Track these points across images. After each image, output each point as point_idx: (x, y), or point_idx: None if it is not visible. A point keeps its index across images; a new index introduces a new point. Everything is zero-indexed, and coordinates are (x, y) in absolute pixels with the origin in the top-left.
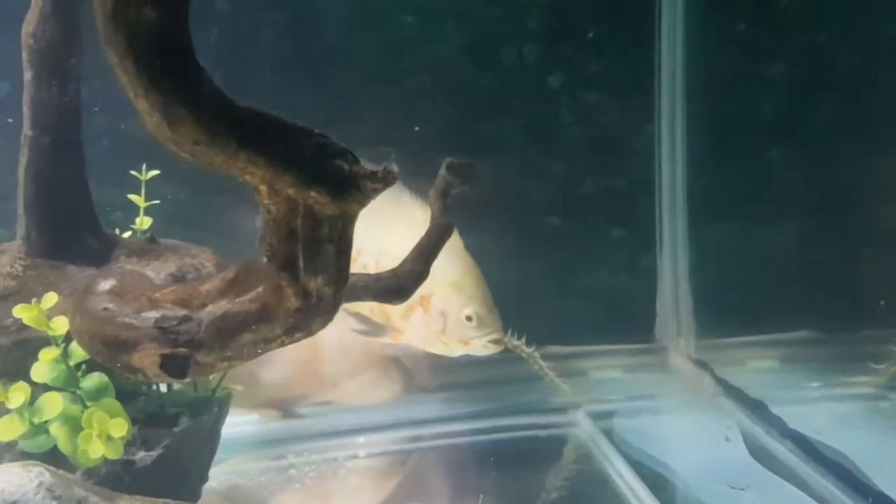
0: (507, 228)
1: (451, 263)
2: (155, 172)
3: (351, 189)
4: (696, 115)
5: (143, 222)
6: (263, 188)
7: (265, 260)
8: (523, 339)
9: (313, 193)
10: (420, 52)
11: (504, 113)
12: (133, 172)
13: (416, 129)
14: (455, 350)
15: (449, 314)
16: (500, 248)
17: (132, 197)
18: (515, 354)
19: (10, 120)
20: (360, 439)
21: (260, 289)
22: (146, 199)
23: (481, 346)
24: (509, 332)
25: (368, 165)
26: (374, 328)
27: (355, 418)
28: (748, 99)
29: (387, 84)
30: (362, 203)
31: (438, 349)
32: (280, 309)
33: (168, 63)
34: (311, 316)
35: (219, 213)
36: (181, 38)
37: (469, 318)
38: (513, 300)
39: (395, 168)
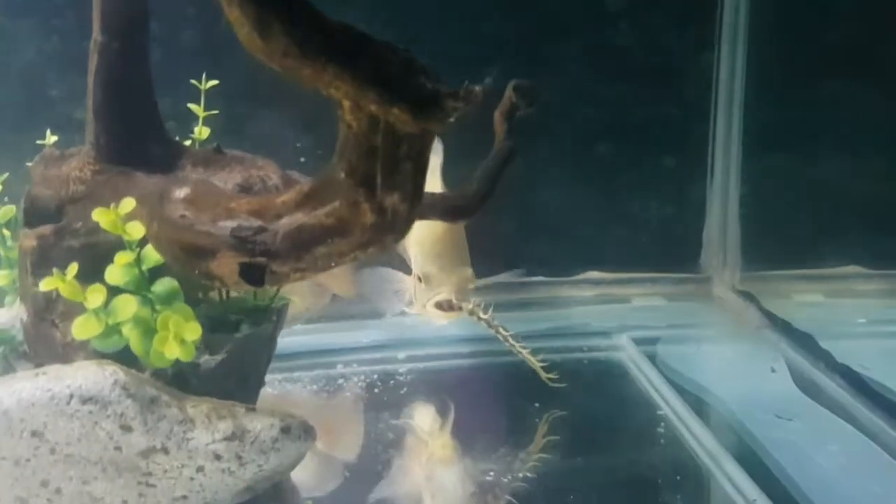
0: (557, 153)
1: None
2: (214, 82)
3: (432, 107)
4: (758, 43)
5: (202, 132)
6: (347, 104)
7: (343, 175)
8: (490, 313)
9: (395, 111)
10: None
11: (560, 35)
12: (193, 82)
13: None
14: (433, 315)
15: (414, 275)
16: (549, 172)
17: (192, 106)
18: (545, 283)
19: None
20: (401, 354)
21: (336, 203)
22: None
23: (429, 309)
24: (486, 306)
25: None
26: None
27: (397, 332)
28: (816, 27)
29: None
30: (442, 122)
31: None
32: (356, 224)
33: None
34: (385, 231)
35: (266, 126)
36: None
37: (419, 279)
38: (558, 225)
39: (477, 87)
